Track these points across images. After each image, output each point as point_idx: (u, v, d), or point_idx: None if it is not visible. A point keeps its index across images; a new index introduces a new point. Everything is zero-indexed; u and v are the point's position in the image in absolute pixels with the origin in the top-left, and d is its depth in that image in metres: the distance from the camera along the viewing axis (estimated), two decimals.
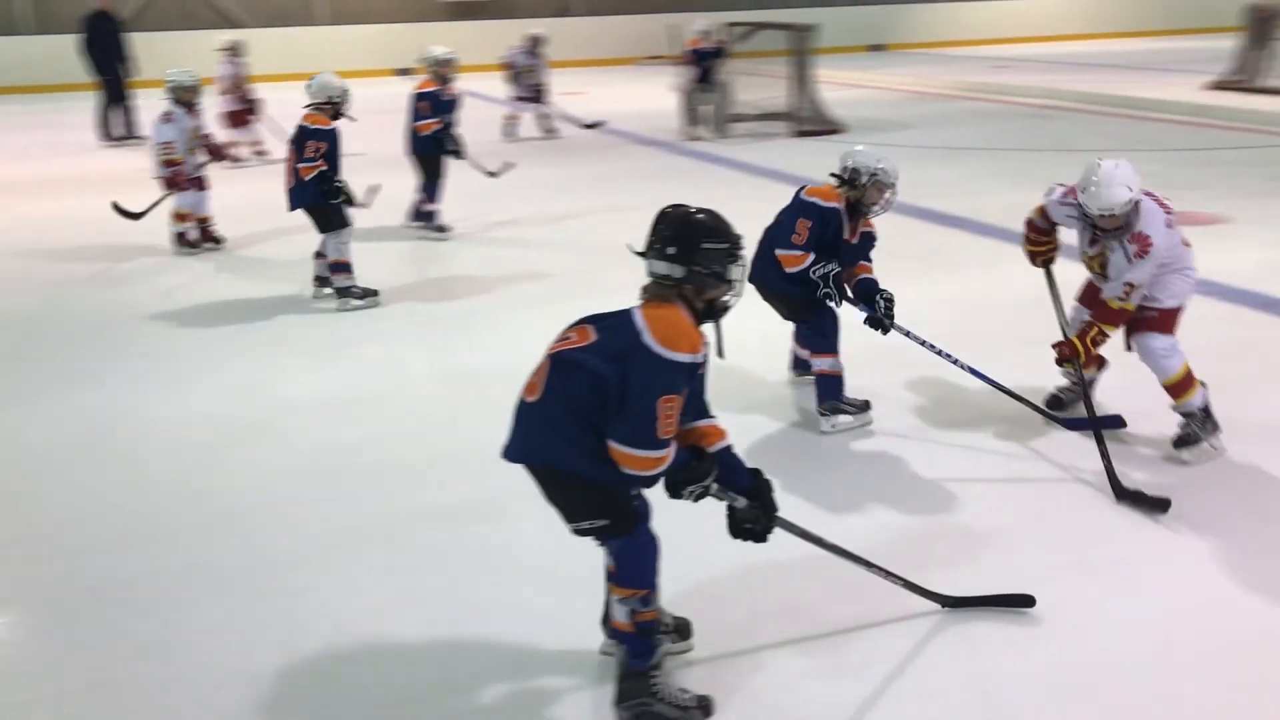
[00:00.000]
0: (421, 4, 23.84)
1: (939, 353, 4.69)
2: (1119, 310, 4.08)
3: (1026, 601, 3.20)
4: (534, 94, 12.93)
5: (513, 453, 2.76)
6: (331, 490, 4.21)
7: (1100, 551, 3.53)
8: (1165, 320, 4.16)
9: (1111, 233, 4.07)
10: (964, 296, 6.38)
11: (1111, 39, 26.63)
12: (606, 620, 2.97)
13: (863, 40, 25.86)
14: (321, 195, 6.33)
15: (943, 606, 3.19)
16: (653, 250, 2.73)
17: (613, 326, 2.68)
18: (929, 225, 8.15)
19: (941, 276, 6.81)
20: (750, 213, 8.97)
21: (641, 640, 2.80)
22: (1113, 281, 4.09)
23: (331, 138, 6.35)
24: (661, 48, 24.95)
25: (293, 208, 6.49)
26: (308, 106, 6.48)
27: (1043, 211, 4.49)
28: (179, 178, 7.79)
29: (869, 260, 4.76)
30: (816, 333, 4.66)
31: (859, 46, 25.71)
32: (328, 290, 6.62)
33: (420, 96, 8.04)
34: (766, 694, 2.89)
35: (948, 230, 7.98)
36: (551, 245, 8.00)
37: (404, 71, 23.10)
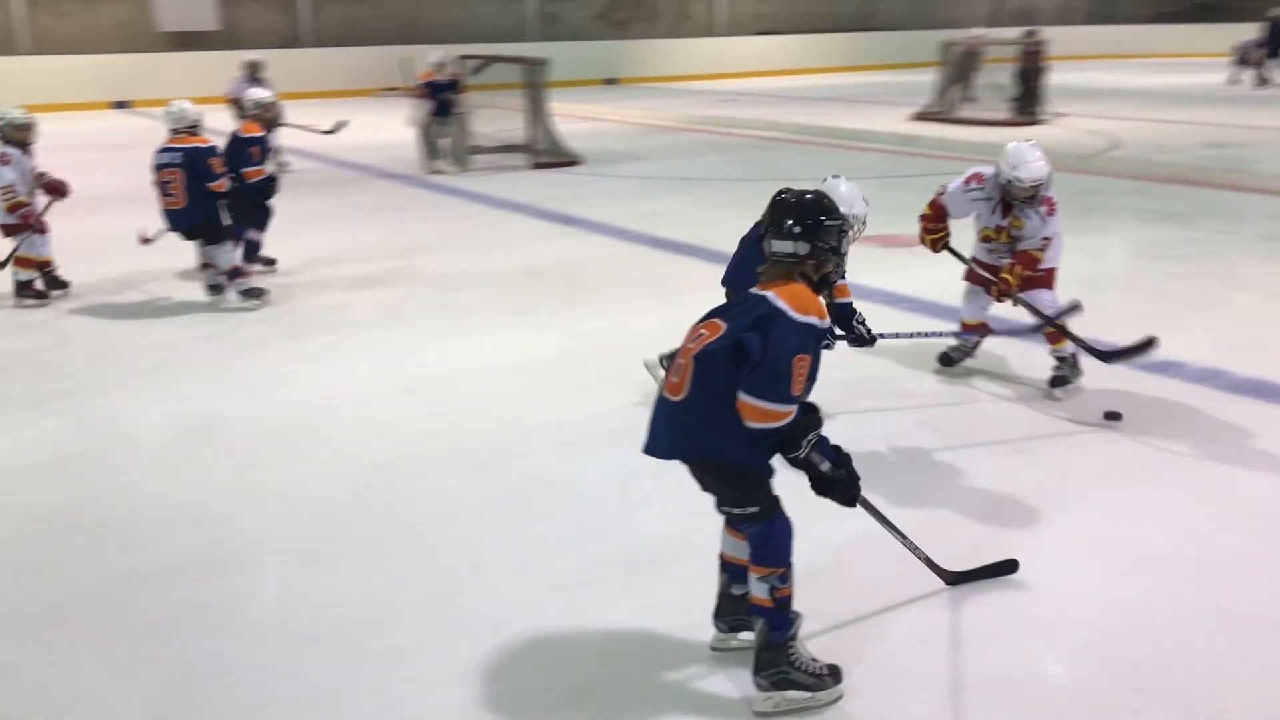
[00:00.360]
0: (137, 34, 22.60)
1: (925, 335, 5.34)
2: (1036, 256, 5.08)
3: (1012, 567, 3.54)
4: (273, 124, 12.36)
5: (664, 450, 2.95)
6: (34, 557, 3.87)
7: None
8: (1049, 278, 5.19)
9: (1027, 201, 5.02)
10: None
11: (827, 73, 28.31)
12: (720, 614, 3.18)
13: (598, 74, 26.47)
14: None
15: (947, 584, 3.46)
16: (775, 231, 2.93)
17: (744, 310, 2.88)
18: (660, 253, 8.36)
19: (674, 301, 6.98)
20: (485, 240, 8.97)
21: (781, 614, 2.97)
22: (1029, 239, 5.07)
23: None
24: (396, 80, 24.74)
25: (183, 227, 6.93)
26: (178, 133, 6.89)
27: (937, 206, 5.30)
28: (29, 219, 7.10)
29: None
30: None
31: (595, 80, 26.30)
32: (236, 294, 7.03)
33: (250, 141, 7.51)
34: (882, 660, 3.12)
35: (679, 258, 8.21)
36: (285, 287, 7.70)
37: (121, 105, 21.84)
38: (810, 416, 2.89)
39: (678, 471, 2.98)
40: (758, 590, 2.96)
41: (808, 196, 2.99)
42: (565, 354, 5.96)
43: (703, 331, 2.91)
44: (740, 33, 29.83)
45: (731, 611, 3.17)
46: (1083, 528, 3.89)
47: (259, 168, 7.48)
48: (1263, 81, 22.06)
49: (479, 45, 20.56)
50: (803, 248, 2.90)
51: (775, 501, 2.93)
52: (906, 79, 24.36)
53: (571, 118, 17.86)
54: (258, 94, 8.09)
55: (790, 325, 2.78)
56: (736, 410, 2.78)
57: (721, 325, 2.88)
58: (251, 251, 7.80)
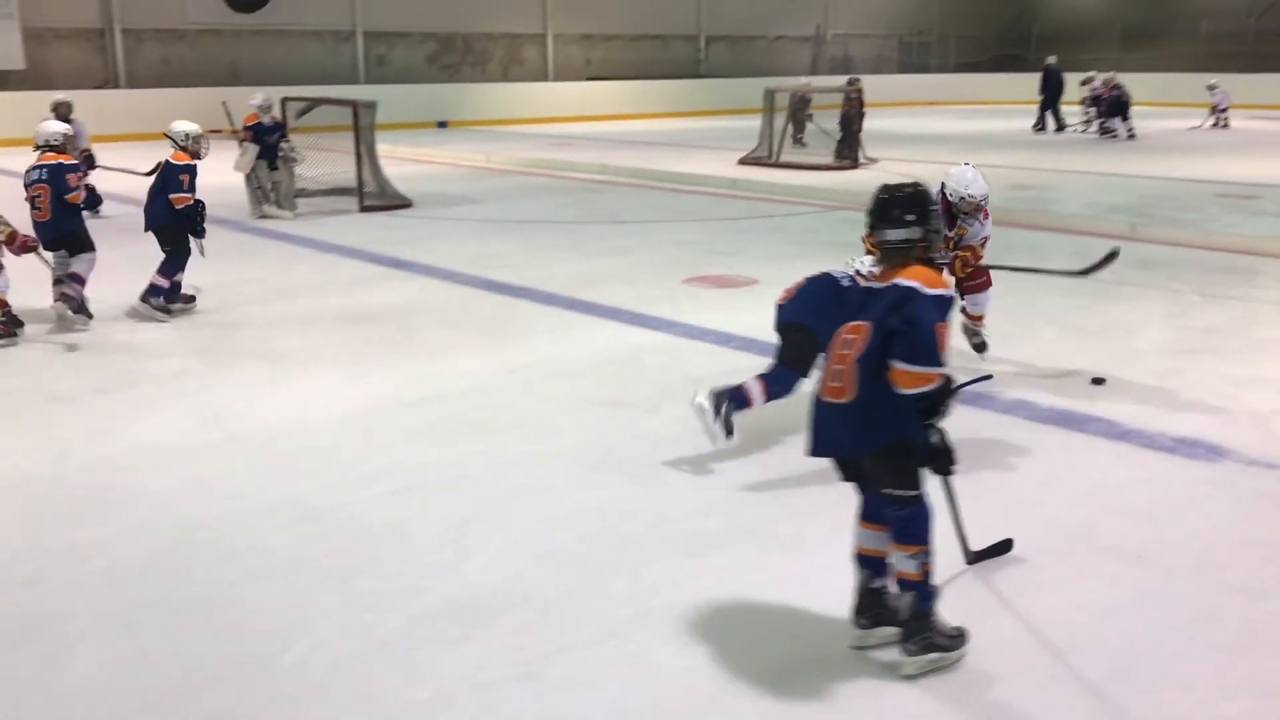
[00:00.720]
0: None
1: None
2: (979, 251, 6.11)
3: (1008, 546, 3.98)
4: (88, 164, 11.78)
5: (846, 448, 3.28)
6: None
7: None
8: (989, 280, 6.30)
9: (971, 213, 5.99)
10: (534, 363, 6.52)
11: (657, 119, 28.81)
12: (862, 611, 3.37)
13: (429, 117, 26.27)
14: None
15: (967, 563, 3.85)
16: (889, 223, 3.27)
17: (879, 301, 3.18)
18: (492, 296, 8.29)
19: (509, 345, 6.92)
20: (312, 285, 8.72)
21: (927, 586, 3.27)
22: (970, 240, 6.06)
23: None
24: (217, 123, 23.98)
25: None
26: (46, 147, 7.48)
27: None
28: None
29: None
30: None
31: (426, 123, 26.08)
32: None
33: (182, 169, 7.58)
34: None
35: (512, 300, 8.16)
36: (100, 336, 7.30)
37: None
38: (947, 382, 3.16)
39: (510, 517, 2.94)
40: (907, 566, 3.27)
41: (910, 189, 3.36)
42: (395, 400, 5.82)
43: (849, 337, 3.22)
44: (571, 78, 30.13)
45: (871, 607, 3.37)
46: None
47: (184, 194, 7.57)
48: (1104, 131, 22.93)
49: (306, 87, 20.14)
50: (916, 232, 3.25)
51: (924, 487, 3.25)
52: (733, 125, 24.99)
53: (402, 160, 17.65)
54: (187, 126, 7.88)
55: (927, 300, 3.11)
56: (897, 388, 3.07)
57: (865, 325, 3.18)
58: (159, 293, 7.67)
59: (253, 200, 12.22)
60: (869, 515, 3.35)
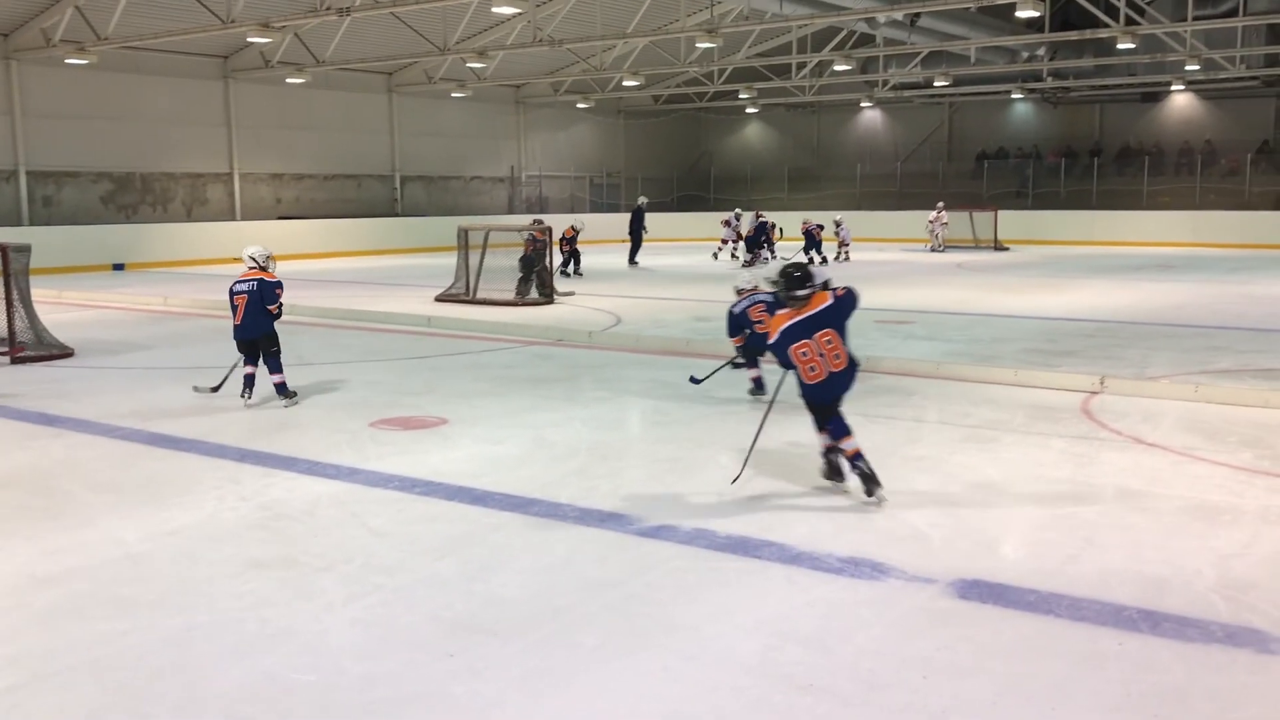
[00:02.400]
0: None
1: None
2: None
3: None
4: None
5: (846, 391, 6.35)
6: None
7: None
8: None
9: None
10: (196, 523, 5.96)
11: (352, 257, 28.34)
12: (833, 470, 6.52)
13: (105, 259, 24.67)
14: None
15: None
16: (799, 284, 6.32)
17: (828, 315, 6.27)
18: (158, 450, 7.63)
19: (170, 505, 6.32)
20: None
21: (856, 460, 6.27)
22: None
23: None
24: None
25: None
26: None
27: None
28: None
29: None
30: None
31: (101, 265, 24.46)
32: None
33: (277, 285, 9.06)
34: None
35: (179, 454, 7.53)
36: None
37: None
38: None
39: (151, 707, 2.53)
40: (850, 446, 6.28)
41: (794, 264, 6.46)
42: (30, 576, 5.13)
43: (828, 338, 6.22)
44: (260, 217, 29.21)
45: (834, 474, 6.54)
46: (584, 704, 3.83)
47: (278, 304, 9.12)
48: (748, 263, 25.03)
49: None
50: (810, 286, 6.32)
51: None
52: (431, 262, 24.93)
53: (70, 306, 16.36)
54: (266, 249, 9.37)
55: (852, 303, 6.39)
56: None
57: (831, 330, 6.22)
58: None
59: None
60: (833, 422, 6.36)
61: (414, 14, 23.59)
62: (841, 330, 6.23)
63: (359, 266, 25.36)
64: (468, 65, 28.97)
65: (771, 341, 6.41)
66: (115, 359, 11.85)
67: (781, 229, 26.26)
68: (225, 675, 4.10)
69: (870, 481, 6.13)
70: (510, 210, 35.91)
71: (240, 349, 9.18)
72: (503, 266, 17.24)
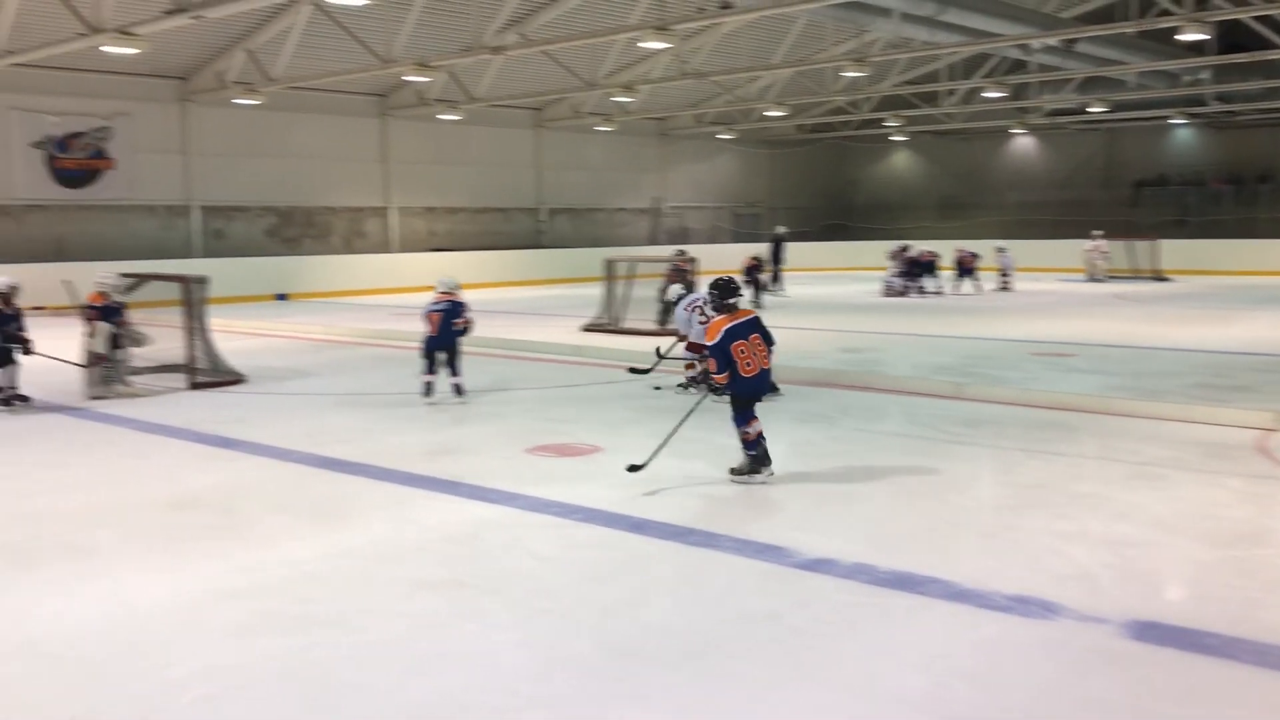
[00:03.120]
0: None
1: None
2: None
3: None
4: None
5: (767, 383, 7.71)
6: None
7: None
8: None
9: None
10: (366, 545, 6.22)
11: (500, 288, 29.03)
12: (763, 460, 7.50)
13: (268, 290, 25.87)
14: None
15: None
16: (731, 294, 7.60)
17: (757, 322, 7.57)
18: (326, 474, 7.98)
19: (341, 526, 6.62)
20: (130, 469, 8.23)
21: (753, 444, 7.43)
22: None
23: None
24: (45, 300, 23.12)
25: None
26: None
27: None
28: None
29: None
30: None
31: (265, 296, 25.66)
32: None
33: (464, 306, 11.12)
34: None
35: (347, 478, 7.86)
36: None
37: None
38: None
39: None
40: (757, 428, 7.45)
41: (726, 278, 7.66)
42: (217, 592, 5.44)
43: (757, 340, 7.44)
44: (415, 249, 30.25)
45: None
46: None
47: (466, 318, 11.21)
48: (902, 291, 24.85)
49: (138, 262, 19.66)
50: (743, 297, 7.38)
51: None
52: (576, 293, 25.36)
53: (239, 334, 17.21)
54: (455, 278, 11.57)
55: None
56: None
57: (759, 336, 7.47)
58: None
59: (94, 379, 11.57)
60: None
61: (563, 51, 24.16)
62: (765, 335, 7.54)
63: (506, 297, 25.97)
64: (614, 99, 29.49)
65: (714, 341, 7.41)
66: (283, 385, 12.43)
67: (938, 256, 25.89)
68: (403, 692, 4.28)
69: (767, 461, 7.49)
70: (652, 241, 36.28)
71: (427, 357, 10.99)
72: (648, 297, 17.45)
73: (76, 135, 24.35)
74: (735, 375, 7.38)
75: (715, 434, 9.26)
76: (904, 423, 9.71)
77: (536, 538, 6.32)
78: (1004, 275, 26.14)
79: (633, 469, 7.59)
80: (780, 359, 13.95)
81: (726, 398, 7.63)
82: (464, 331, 11.04)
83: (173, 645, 4.78)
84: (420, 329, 11.25)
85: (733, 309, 7.54)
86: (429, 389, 11.01)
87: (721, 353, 7.36)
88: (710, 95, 32.63)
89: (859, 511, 6.82)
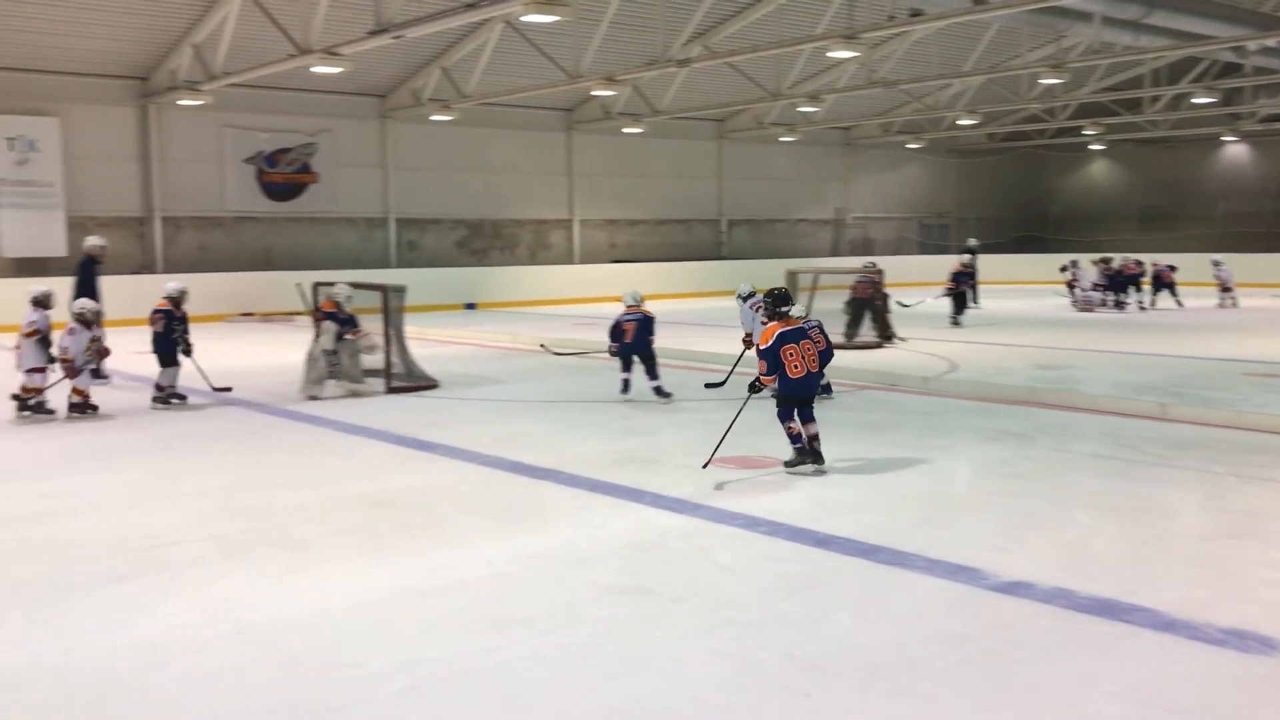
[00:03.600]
0: None
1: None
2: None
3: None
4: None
5: (817, 385, 8.32)
6: None
7: None
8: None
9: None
10: (556, 549, 6.38)
11: (680, 299, 29.21)
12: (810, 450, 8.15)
13: (457, 299, 26.86)
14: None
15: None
16: (786, 302, 8.25)
17: (808, 329, 8.18)
18: (517, 478, 8.22)
19: (531, 529, 6.81)
20: (334, 468, 8.64)
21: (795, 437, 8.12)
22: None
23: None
24: (252, 305, 24.61)
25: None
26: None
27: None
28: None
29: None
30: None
31: (454, 305, 26.63)
32: None
33: (653, 318, 12.08)
34: None
35: (537, 482, 8.08)
36: (110, 521, 7.25)
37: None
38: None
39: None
40: (814, 430, 8.20)
41: (782, 289, 8.38)
42: (412, 590, 5.68)
43: (808, 346, 8.04)
44: (597, 260, 30.83)
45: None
46: None
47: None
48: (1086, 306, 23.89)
49: (339, 271, 20.67)
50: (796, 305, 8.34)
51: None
52: None
53: (430, 341, 17.88)
54: (635, 291, 12.47)
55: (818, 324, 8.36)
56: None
57: (810, 343, 8.09)
58: None
59: (310, 380, 12.30)
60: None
61: (748, 62, 24.20)
62: (827, 348, 8.27)
63: (686, 308, 26.15)
64: (798, 110, 29.33)
65: (766, 346, 8.04)
66: (473, 391, 12.86)
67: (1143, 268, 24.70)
68: (593, 696, 4.36)
69: (820, 458, 8.15)
70: (834, 252, 35.89)
71: (623, 359, 11.91)
72: (831, 309, 17.26)
73: (284, 151, 25.90)
74: (782, 376, 8.04)
75: (909, 451, 9.09)
76: (1104, 443, 9.30)
77: (721, 548, 6.34)
78: (1225, 290, 24.57)
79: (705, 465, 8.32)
80: (972, 374, 13.71)
81: (765, 394, 8.43)
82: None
83: (373, 639, 5.01)
84: (602, 338, 11.87)
85: (785, 316, 8.16)
86: (626, 386, 11.93)
87: (773, 355, 8.01)
88: (898, 104, 32.09)
89: (1056, 534, 6.57)
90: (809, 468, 8.16)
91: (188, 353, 11.94)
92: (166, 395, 11.88)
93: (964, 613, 5.24)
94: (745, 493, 7.65)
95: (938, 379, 12.98)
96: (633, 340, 11.81)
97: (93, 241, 14.67)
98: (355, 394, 12.28)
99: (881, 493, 7.65)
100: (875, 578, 5.81)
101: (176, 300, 11.99)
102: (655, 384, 11.84)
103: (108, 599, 5.62)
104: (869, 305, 17.66)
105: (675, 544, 6.45)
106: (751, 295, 12.65)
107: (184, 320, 12.03)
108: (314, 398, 12.14)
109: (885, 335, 17.32)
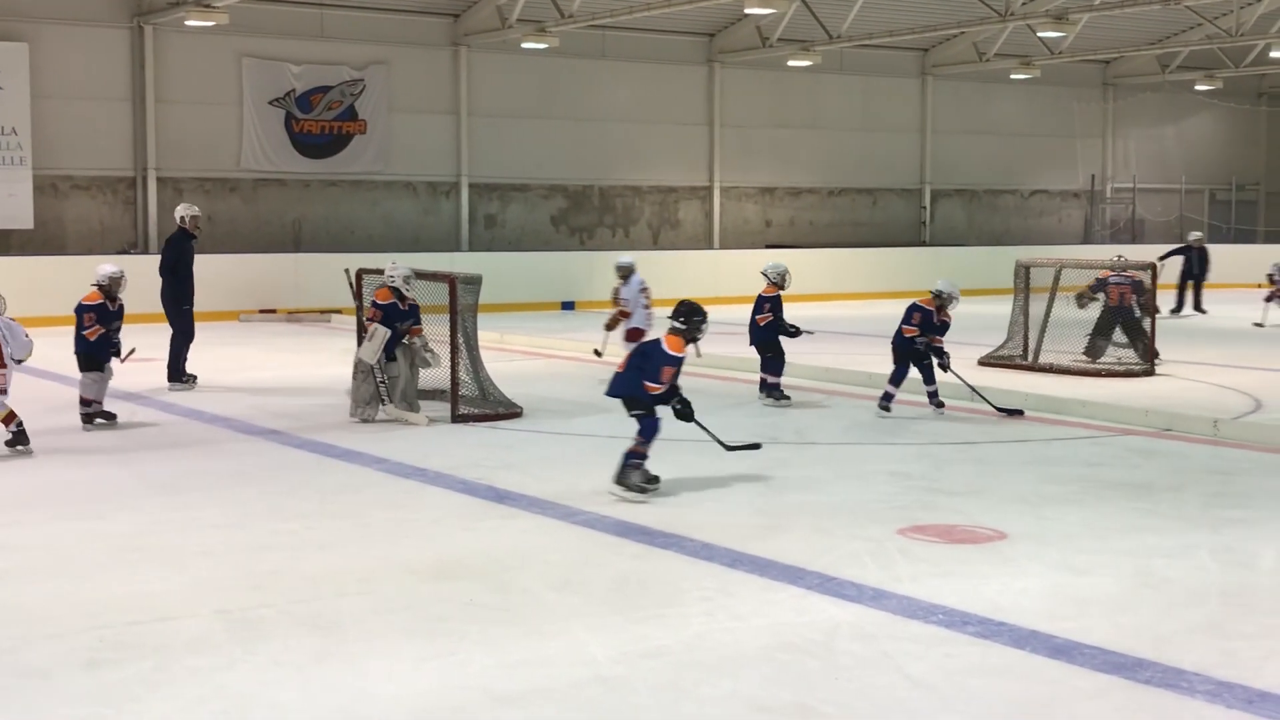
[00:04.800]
0: None
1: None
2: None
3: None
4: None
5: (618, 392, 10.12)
6: None
7: None
8: None
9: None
10: (680, 646, 6.41)
11: (861, 300, 29.00)
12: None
13: (552, 295, 27.07)
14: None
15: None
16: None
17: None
18: (628, 544, 8.27)
19: (646, 618, 6.84)
20: (381, 523, 8.81)
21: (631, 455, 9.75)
22: None
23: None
24: (286, 303, 25.23)
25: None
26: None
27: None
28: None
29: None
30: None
31: (548, 303, 26.80)
32: None
33: (767, 299, 14.68)
34: None
35: (653, 550, 8.12)
36: (90, 592, 7.54)
37: None
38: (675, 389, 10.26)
39: None
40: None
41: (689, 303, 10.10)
42: (482, 694, 5.76)
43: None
44: (745, 244, 30.78)
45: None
46: None
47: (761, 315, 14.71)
48: None
49: (393, 255, 21.13)
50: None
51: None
52: (970, 310, 25.00)
53: (513, 353, 18.16)
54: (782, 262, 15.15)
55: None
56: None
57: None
58: None
59: (360, 398, 12.63)
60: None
61: None
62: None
63: (874, 313, 25.94)
64: (1038, 35, 28.95)
65: (680, 354, 10.08)
66: (569, 423, 13.00)
67: None
68: None
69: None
70: (1086, 239, 35.35)
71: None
72: (1086, 319, 17.00)
73: (321, 91, 26.37)
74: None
75: (1190, 525, 8.89)
76: None
77: (912, 654, 6.28)
78: None
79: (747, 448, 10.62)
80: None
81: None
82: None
83: None
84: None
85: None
86: (886, 402, 13.60)
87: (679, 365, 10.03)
88: (1182, 27, 31.45)
89: None
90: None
91: (118, 355, 12.69)
92: (92, 413, 12.59)
93: None
94: (951, 575, 7.57)
95: (1232, 421, 12.67)
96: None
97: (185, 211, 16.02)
98: (407, 422, 12.54)
99: (1149, 583, 7.51)
100: (1139, 705, 5.70)
101: (110, 289, 12.65)
102: (773, 379, 14.34)
103: (76, 691, 5.83)
104: (1126, 315, 17.28)
105: (849, 646, 6.42)
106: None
107: (119, 314, 12.73)
108: (366, 419, 12.42)
109: (1147, 357, 16.88)
